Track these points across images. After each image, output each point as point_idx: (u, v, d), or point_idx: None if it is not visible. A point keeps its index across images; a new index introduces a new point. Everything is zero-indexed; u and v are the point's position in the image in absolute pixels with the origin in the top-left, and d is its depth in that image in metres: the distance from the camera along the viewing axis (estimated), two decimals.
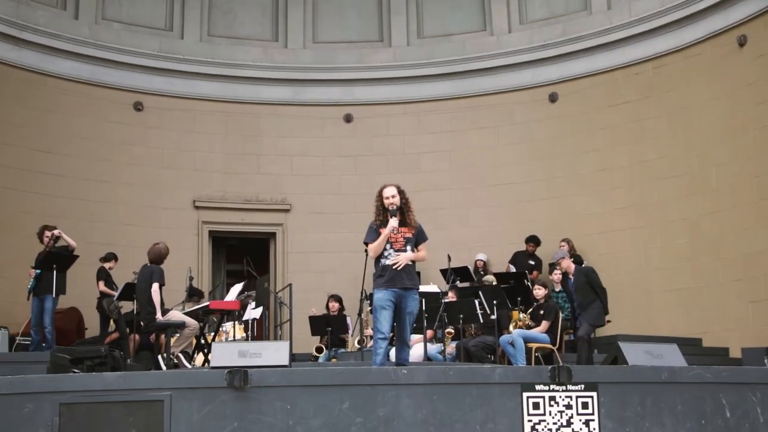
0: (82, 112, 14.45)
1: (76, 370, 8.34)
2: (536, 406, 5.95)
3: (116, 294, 11.86)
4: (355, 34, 16.03)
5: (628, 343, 6.79)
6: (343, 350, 12.30)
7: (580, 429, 5.93)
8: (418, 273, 13.26)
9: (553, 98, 14.88)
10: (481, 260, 14.33)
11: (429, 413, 5.92)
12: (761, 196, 12.41)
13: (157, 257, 10.21)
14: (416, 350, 10.71)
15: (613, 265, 13.81)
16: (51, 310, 11.20)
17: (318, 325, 12.11)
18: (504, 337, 10.69)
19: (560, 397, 5.96)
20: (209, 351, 9.58)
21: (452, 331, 11.37)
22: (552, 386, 5.98)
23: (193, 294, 12.69)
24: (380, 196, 7.80)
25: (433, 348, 11.28)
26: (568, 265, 11.01)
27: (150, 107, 15.03)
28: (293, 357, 7.63)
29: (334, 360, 11.87)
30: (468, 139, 15.31)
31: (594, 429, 5.93)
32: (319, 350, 12.23)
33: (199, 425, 5.81)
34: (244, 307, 11.86)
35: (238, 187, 15.33)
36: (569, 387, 5.98)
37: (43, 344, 11.08)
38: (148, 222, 14.43)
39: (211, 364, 6.55)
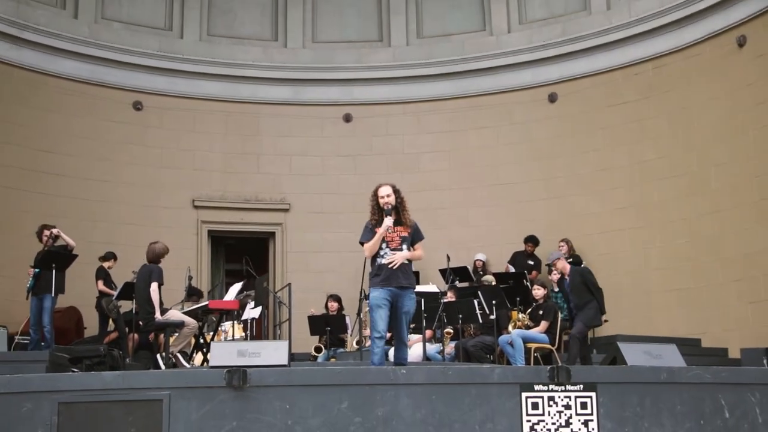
0: (82, 111, 14.46)
1: (75, 370, 8.33)
2: (535, 406, 5.95)
3: (115, 293, 11.86)
4: (355, 34, 16.03)
5: (627, 344, 6.79)
6: (342, 350, 12.31)
7: (579, 429, 5.92)
8: (417, 273, 13.31)
9: (552, 98, 14.88)
10: (480, 260, 14.33)
11: (428, 413, 5.92)
12: (761, 196, 12.41)
13: (155, 256, 10.20)
14: (415, 350, 10.72)
15: (612, 265, 13.83)
16: (50, 310, 11.19)
17: (317, 324, 12.11)
18: (503, 337, 10.68)
19: (559, 397, 5.96)
20: (208, 350, 9.58)
21: (451, 331, 11.36)
22: (551, 386, 5.98)
23: (192, 293, 12.69)
24: (375, 196, 7.79)
25: (432, 348, 11.28)
26: (564, 265, 10.96)
27: (149, 107, 15.03)
28: (292, 357, 7.61)
29: (333, 360, 11.87)
30: (467, 139, 15.31)
31: (593, 429, 5.93)
32: (318, 350, 12.23)
33: (198, 424, 5.80)
34: (243, 307, 11.87)
35: (237, 187, 15.33)
36: (568, 387, 5.98)
37: (42, 343, 11.07)
38: (148, 221, 14.43)
39: (210, 364, 6.55)
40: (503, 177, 14.98)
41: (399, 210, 7.74)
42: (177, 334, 9.99)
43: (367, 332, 11.50)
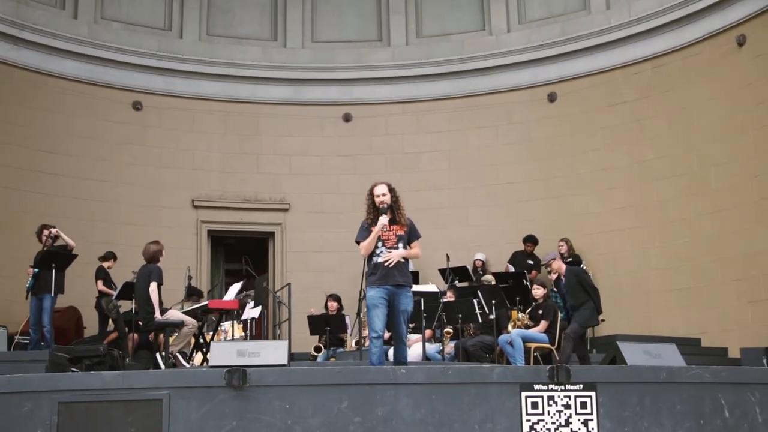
0: (82, 111, 14.46)
1: (75, 369, 8.34)
2: (535, 405, 5.95)
3: (115, 293, 11.86)
4: (354, 34, 16.03)
5: (626, 343, 6.78)
6: (341, 350, 12.31)
7: (579, 429, 5.92)
8: (416, 272, 13.37)
9: (551, 98, 14.88)
10: (480, 260, 14.33)
11: (428, 413, 5.92)
12: (761, 196, 12.41)
13: (150, 257, 10.19)
14: (415, 350, 10.71)
15: (612, 265, 13.84)
16: (49, 309, 11.18)
17: (317, 324, 12.11)
18: (503, 337, 10.68)
19: (559, 396, 5.96)
20: (208, 350, 9.58)
21: (451, 330, 11.36)
22: (550, 386, 5.97)
23: (192, 293, 12.69)
24: (371, 195, 7.79)
25: (432, 348, 11.27)
26: (559, 266, 10.88)
27: (149, 107, 15.03)
28: (292, 356, 7.62)
29: (332, 359, 11.87)
30: (467, 139, 15.31)
31: (592, 429, 5.93)
32: (317, 350, 12.23)
33: (197, 424, 5.80)
34: (242, 307, 11.87)
35: (236, 187, 15.33)
36: (568, 387, 5.98)
37: (42, 343, 11.07)
38: (148, 221, 14.42)
39: (210, 364, 6.55)
40: (503, 177, 14.98)
41: (394, 209, 7.73)
42: (177, 334, 9.99)
43: (366, 332, 11.49)
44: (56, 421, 5.80)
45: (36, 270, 11.23)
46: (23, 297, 11.45)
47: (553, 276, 11.98)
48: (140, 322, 10.35)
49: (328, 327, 11.98)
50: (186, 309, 10.88)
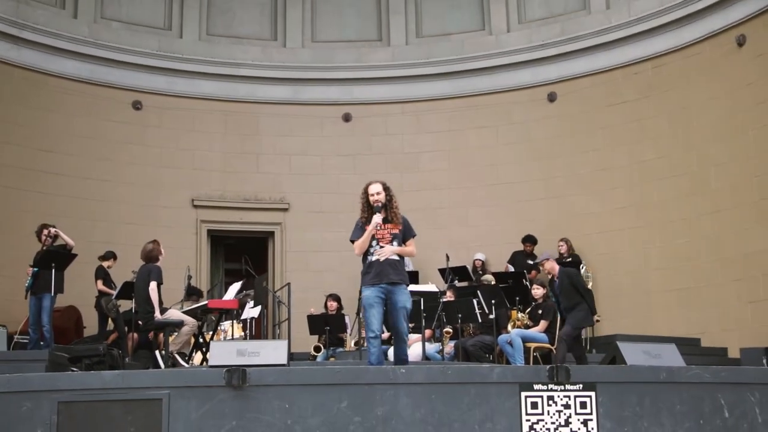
0: (82, 111, 14.47)
1: (75, 369, 8.34)
2: (534, 405, 5.95)
3: (114, 293, 11.85)
4: (354, 34, 16.04)
5: (626, 343, 6.78)
6: (341, 349, 12.31)
7: (579, 429, 5.92)
8: (416, 272, 13.36)
9: (551, 98, 14.88)
10: (480, 260, 14.33)
11: (427, 412, 5.92)
12: (761, 196, 12.41)
13: (146, 256, 10.18)
14: (415, 350, 10.71)
15: (612, 265, 13.84)
16: (49, 309, 11.18)
17: (316, 324, 12.11)
18: (502, 337, 10.68)
19: (558, 396, 5.96)
20: (207, 350, 9.58)
21: (450, 330, 11.35)
22: (550, 386, 5.97)
23: (192, 293, 12.68)
24: (365, 193, 7.79)
25: (432, 347, 11.27)
26: (552, 266, 10.71)
27: (149, 106, 15.04)
28: (291, 356, 7.62)
29: (332, 359, 11.87)
30: (467, 139, 15.31)
31: (592, 429, 5.93)
32: (317, 349, 12.23)
33: (197, 424, 5.80)
34: (242, 306, 11.86)
35: (236, 186, 15.33)
36: (567, 387, 5.97)
37: (42, 343, 11.07)
38: (148, 221, 14.43)
39: (210, 363, 6.55)
40: (503, 177, 14.98)
41: (388, 207, 7.73)
42: (176, 334, 9.99)
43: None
44: (56, 421, 5.80)
45: (35, 269, 11.23)
46: (23, 296, 11.45)
47: (548, 276, 11.96)
48: (140, 322, 10.35)
49: (327, 327, 11.97)
50: (186, 309, 10.88)
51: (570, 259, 13.35)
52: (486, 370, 6.28)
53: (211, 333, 10.99)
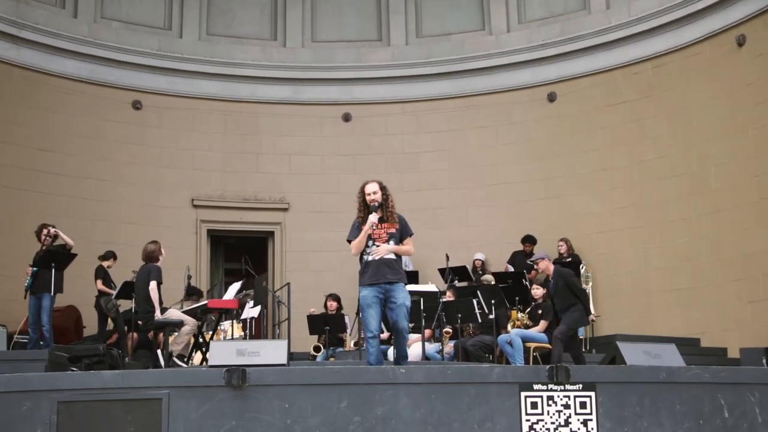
0: (82, 111, 14.47)
1: (74, 369, 8.33)
2: (534, 405, 5.95)
3: (114, 292, 11.85)
4: (354, 34, 16.04)
5: (626, 343, 6.78)
6: (341, 349, 12.31)
7: (578, 429, 5.92)
8: (416, 272, 13.36)
9: (551, 98, 14.88)
10: (480, 260, 14.33)
11: (427, 412, 5.92)
12: (761, 196, 12.41)
13: (148, 257, 10.18)
14: (414, 349, 10.71)
15: (612, 265, 13.83)
16: (49, 309, 11.18)
17: (316, 324, 12.11)
18: (502, 337, 10.67)
19: (558, 396, 5.96)
20: (207, 350, 9.57)
21: (450, 330, 11.35)
22: (550, 386, 5.97)
23: (192, 293, 12.67)
24: (362, 193, 7.78)
25: (431, 347, 11.27)
26: (546, 266, 10.60)
27: (149, 106, 15.04)
28: (291, 356, 7.61)
29: (332, 359, 11.87)
30: (467, 139, 15.31)
31: (592, 429, 5.92)
32: (317, 349, 12.23)
33: (197, 424, 5.80)
34: (242, 306, 11.86)
35: (236, 186, 15.33)
36: (567, 387, 5.97)
37: (41, 342, 11.07)
38: (148, 221, 14.44)
39: (209, 363, 6.54)
40: (503, 177, 14.98)
41: (384, 207, 7.71)
42: (176, 333, 9.99)
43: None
44: (56, 421, 5.80)
45: (35, 269, 11.23)
46: (23, 296, 11.44)
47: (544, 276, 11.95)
48: (140, 322, 10.35)
49: (327, 326, 11.97)
50: (185, 308, 10.88)
51: (570, 259, 13.35)
52: (486, 370, 6.28)
53: (210, 333, 10.99)
